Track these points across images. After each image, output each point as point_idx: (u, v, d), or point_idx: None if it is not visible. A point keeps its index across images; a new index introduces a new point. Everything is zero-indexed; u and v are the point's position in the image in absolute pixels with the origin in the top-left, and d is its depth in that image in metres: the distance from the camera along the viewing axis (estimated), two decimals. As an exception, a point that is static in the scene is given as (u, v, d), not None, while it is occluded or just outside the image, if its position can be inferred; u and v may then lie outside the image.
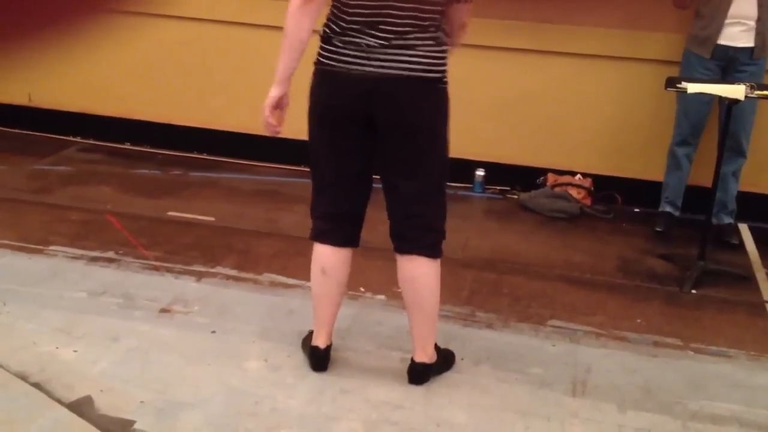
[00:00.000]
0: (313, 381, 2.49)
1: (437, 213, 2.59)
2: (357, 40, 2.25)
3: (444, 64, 2.40)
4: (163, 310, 2.85)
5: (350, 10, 2.24)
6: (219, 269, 3.20)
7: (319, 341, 2.56)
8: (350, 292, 3.07)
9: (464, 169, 4.30)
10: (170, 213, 3.73)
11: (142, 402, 2.32)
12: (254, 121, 4.42)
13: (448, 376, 2.55)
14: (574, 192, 3.95)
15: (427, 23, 2.27)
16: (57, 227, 3.47)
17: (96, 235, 3.40)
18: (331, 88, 2.32)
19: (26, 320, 2.70)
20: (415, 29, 2.25)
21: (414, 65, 2.29)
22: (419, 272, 2.51)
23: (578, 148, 4.18)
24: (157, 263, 3.21)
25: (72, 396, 2.31)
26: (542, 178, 4.13)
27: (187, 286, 3.05)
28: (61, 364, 2.46)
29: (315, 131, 2.41)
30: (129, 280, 3.06)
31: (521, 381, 2.54)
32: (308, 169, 2.59)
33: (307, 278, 3.12)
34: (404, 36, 2.24)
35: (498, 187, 4.28)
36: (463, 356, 2.66)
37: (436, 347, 2.56)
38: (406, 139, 2.39)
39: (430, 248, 2.53)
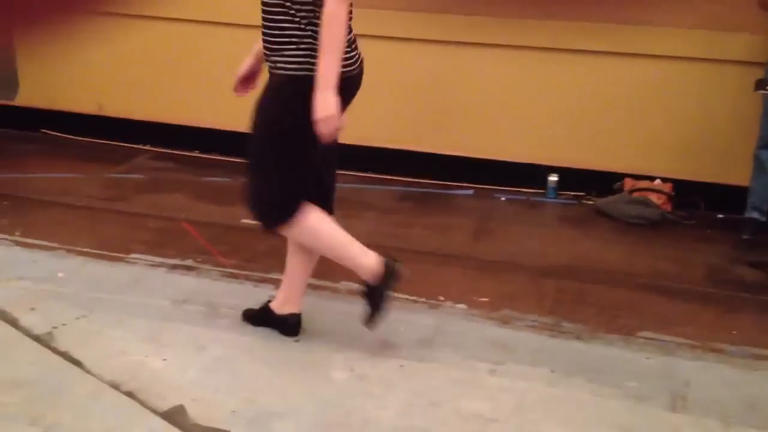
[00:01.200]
0: (401, 392, 2.44)
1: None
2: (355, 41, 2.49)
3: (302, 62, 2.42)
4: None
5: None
6: (296, 277, 3.19)
7: (298, 304, 2.76)
8: (430, 301, 3.03)
9: (536, 174, 4.23)
10: (244, 221, 3.72)
11: (233, 412, 2.30)
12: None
13: (541, 390, 2.48)
14: (653, 197, 3.84)
15: None
16: (135, 235, 3.49)
17: (174, 243, 3.41)
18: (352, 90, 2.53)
19: (113, 328, 2.72)
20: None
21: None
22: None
23: (657, 151, 4.06)
24: (236, 271, 3.20)
25: (165, 405, 2.30)
26: (619, 183, 4.03)
27: (267, 294, 3.03)
28: (151, 372, 2.46)
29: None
30: (210, 288, 3.06)
31: (617, 395, 2.45)
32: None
33: (386, 286, 3.13)
34: None
35: (572, 193, 4.20)
36: (554, 369, 2.59)
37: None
38: None
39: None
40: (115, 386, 2.37)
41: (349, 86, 2.46)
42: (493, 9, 4.06)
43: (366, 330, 2.78)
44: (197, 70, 4.53)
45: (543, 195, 4.21)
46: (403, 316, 2.92)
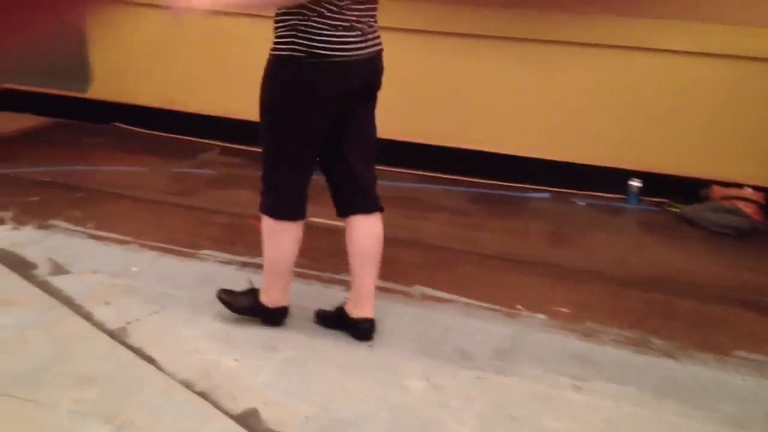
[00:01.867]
0: (480, 406, 2.33)
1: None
2: (358, 26, 2.40)
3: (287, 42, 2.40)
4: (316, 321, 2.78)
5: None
6: (368, 279, 3.11)
7: (285, 297, 2.71)
8: (506, 310, 2.91)
9: (617, 178, 4.06)
10: (312, 219, 3.65)
11: (306, 417, 2.22)
12: (391, 125, 4.38)
13: (628, 410, 2.33)
14: (743, 206, 3.64)
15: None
16: (204, 230, 3.46)
17: (242, 240, 3.36)
18: (343, 76, 2.43)
19: (186, 325, 2.67)
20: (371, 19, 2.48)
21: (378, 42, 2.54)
22: (378, 229, 2.74)
23: (746, 157, 3.85)
24: (305, 271, 3.13)
25: (237, 407, 2.24)
26: (705, 189, 3.83)
27: (338, 295, 2.95)
28: (223, 372, 2.41)
29: (312, 118, 2.46)
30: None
31: (712, 419, 2.30)
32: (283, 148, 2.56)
33: (461, 293, 3.03)
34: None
35: (654, 199, 4.02)
36: (643, 387, 2.44)
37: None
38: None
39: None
40: (188, 385, 2.32)
41: (333, 72, 2.40)
42: (569, 5, 3.92)
43: (442, 337, 2.68)
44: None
45: (624, 201, 4.04)
46: (479, 324, 2.81)
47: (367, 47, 2.44)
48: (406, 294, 3.00)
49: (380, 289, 3.02)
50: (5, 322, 2.62)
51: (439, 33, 4.13)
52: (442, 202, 3.98)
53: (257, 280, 2.74)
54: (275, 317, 2.71)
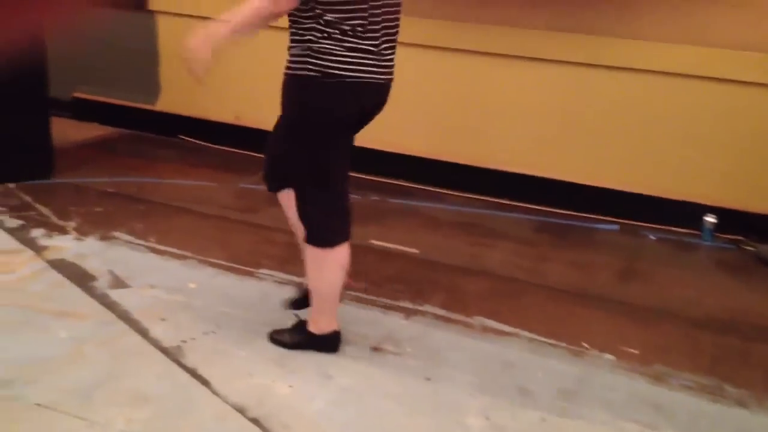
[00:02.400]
0: (544, 449, 2.22)
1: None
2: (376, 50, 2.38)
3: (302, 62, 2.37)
4: (375, 348, 2.69)
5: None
6: (427, 307, 3.01)
7: (336, 325, 2.67)
8: (572, 347, 2.78)
9: (691, 213, 3.88)
10: (373, 241, 3.60)
11: (361, 453, 2.15)
12: (454, 148, 4.31)
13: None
14: (827, 249, 3.44)
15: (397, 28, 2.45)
16: (264, 249, 3.42)
17: (301, 260, 3.31)
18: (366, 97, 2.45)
19: (240, 347, 2.62)
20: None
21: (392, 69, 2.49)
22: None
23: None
24: (362, 295, 3.07)
25: (290, 438, 2.18)
26: (785, 230, 3.64)
27: (396, 323, 2.88)
28: (277, 399, 2.34)
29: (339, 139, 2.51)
30: (338, 312, 2.93)
31: (794, 479, 2.14)
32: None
33: (524, 327, 2.91)
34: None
35: (729, 236, 3.83)
36: (717, 439, 2.29)
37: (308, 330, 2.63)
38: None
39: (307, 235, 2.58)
40: (241, 410, 2.27)
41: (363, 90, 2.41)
42: (645, 33, 3.79)
43: (503, 373, 2.58)
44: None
45: (698, 236, 3.87)
46: (542, 361, 2.69)
47: (383, 72, 2.42)
48: (466, 325, 2.90)
49: (440, 318, 2.95)
50: (63, 335, 2.62)
51: (503, 55, 4.04)
52: (506, 230, 3.86)
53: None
54: (330, 344, 2.65)
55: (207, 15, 4.50)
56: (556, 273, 3.42)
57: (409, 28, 4.28)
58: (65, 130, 4.42)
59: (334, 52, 2.31)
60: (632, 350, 2.81)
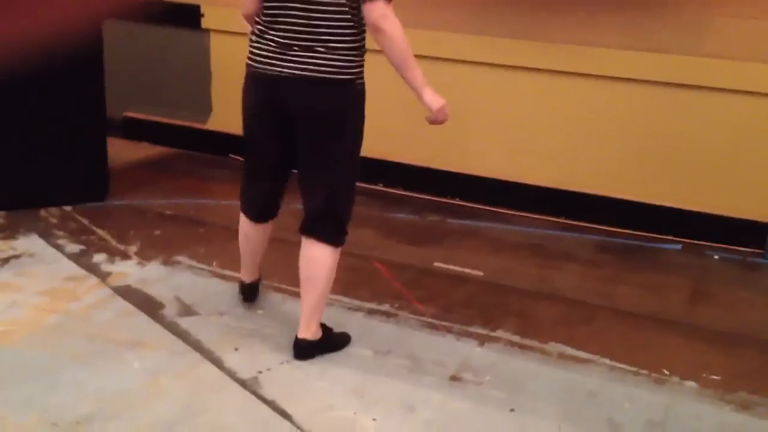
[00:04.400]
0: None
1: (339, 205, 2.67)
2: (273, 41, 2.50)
3: (347, 67, 2.49)
4: (453, 378, 2.62)
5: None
6: (500, 333, 2.94)
7: (244, 277, 3.00)
8: (654, 375, 2.70)
9: (754, 231, 3.79)
10: (437, 264, 3.53)
11: (454, 492, 2.09)
12: (513, 167, 4.24)
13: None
14: None
15: (319, 29, 2.44)
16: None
17: (368, 285, 3.26)
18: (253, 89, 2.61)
19: (318, 378, 2.57)
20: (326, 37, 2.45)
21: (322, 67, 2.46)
22: (320, 254, 2.64)
23: None
24: (436, 321, 3.00)
25: (381, 476, 2.12)
26: None
27: (472, 351, 2.81)
28: (362, 434, 2.30)
29: (247, 124, 2.74)
30: (411, 339, 2.87)
31: None
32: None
33: (602, 353, 2.83)
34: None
35: (796, 255, 3.74)
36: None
37: (324, 327, 2.74)
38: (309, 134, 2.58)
39: (330, 236, 2.63)
40: (327, 447, 2.23)
41: (248, 82, 2.61)
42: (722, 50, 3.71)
43: (587, 404, 2.50)
44: (386, 101, 4.41)
45: (760, 255, 3.77)
46: (627, 391, 2.61)
47: (279, 65, 2.47)
48: (542, 352, 2.83)
49: (515, 345, 2.88)
50: (137, 366, 2.58)
51: (575, 74, 3.97)
52: (570, 251, 3.78)
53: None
54: (339, 338, 2.80)
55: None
56: (626, 295, 3.33)
57: (472, 45, 4.29)
58: (117, 150, 4.40)
59: (250, 42, 2.57)
60: (714, 377, 2.73)
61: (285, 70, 2.46)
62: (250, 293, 3.03)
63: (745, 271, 3.68)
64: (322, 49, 2.43)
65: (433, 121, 2.53)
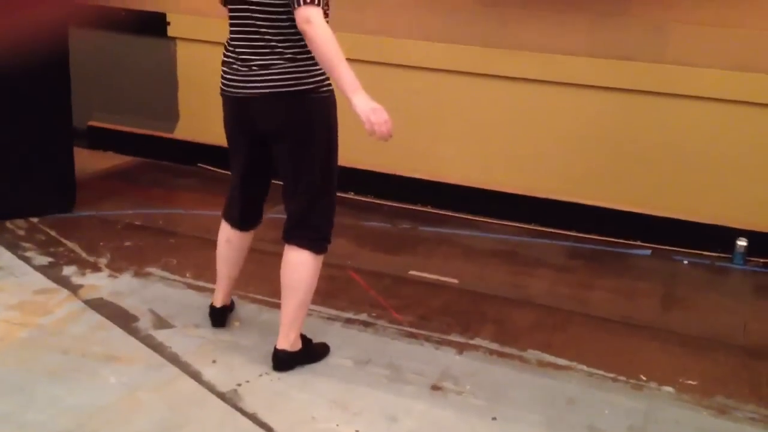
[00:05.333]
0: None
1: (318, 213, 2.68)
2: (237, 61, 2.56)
3: (306, 77, 2.51)
4: (435, 387, 2.62)
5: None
6: (479, 341, 2.95)
7: (216, 301, 2.92)
8: (631, 381, 2.74)
9: (720, 236, 3.86)
10: (412, 272, 3.53)
11: (442, 502, 2.08)
12: (484, 175, 4.27)
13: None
14: None
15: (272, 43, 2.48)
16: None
17: (345, 294, 3.24)
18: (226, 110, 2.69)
19: (298, 389, 2.55)
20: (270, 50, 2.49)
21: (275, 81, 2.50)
22: (298, 260, 2.63)
23: None
24: (414, 330, 3.00)
25: (368, 488, 2.11)
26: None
27: (451, 359, 2.82)
28: (347, 446, 2.28)
29: (229, 141, 2.80)
30: (390, 348, 2.86)
31: None
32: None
33: (579, 359, 2.86)
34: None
35: (761, 260, 3.81)
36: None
37: (303, 338, 2.73)
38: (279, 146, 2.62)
39: (308, 242, 2.63)
40: (312, 460, 2.21)
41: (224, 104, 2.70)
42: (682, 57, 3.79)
43: (568, 410, 2.52)
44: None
45: (729, 260, 3.85)
46: (606, 397, 2.64)
47: (243, 86, 2.53)
48: (521, 359, 2.84)
49: (494, 352, 2.89)
50: (114, 381, 2.53)
51: (537, 81, 4.01)
52: (541, 257, 3.81)
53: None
54: (319, 348, 2.80)
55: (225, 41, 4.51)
56: (599, 301, 3.37)
57: (441, 53, 4.32)
58: (82, 160, 4.30)
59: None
60: (691, 382, 2.77)
61: (247, 89, 2.51)
62: (219, 318, 2.93)
63: (714, 275, 3.75)
64: (279, 62, 2.47)
65: (370, 132, 2.37)
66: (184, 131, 4.82)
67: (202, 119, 4.79)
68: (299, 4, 2.33)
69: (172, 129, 4.85)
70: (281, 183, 2.66)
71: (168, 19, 4.68)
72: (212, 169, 4.72)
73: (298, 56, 2.46)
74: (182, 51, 4.71)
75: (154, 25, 4.70)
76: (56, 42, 3.69)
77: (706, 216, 3.92)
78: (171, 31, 4.69)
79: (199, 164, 4.75)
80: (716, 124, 3.83)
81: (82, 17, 4.26)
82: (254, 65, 2.48)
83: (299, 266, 2.61)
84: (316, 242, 2.62)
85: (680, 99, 3.83)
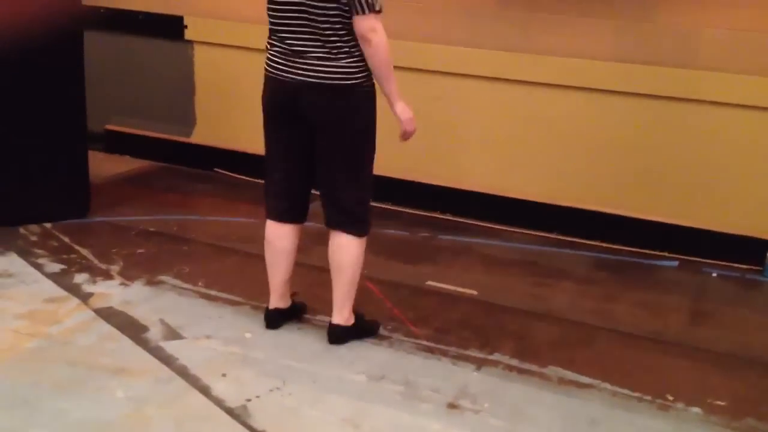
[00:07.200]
0: None
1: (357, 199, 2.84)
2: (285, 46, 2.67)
3: (358, 72, 2.64)
4: (451, 405, 2.52)
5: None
6: (498, 357, 2.85)
7: (271, 303, 2.95)
8: (657, 401, 2.62)
9: (752, 249, 3.72)
10: (429, 282, 3.43)
11: None
12: (505, 182, 4.16)
13: None
14: None
15: (324, 36, 2.59)
16: (319, 293, 3.19)
17: (360, 305, 3.14)
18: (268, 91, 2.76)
19: (310, 405, 2.46)
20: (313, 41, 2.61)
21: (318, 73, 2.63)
22: (344, 243, 2.79)
23: None
24: (431, 344, 2.90)
25: None
26: None
27: (469, 376, 2.72)
28: (359, 468, 2.19)
29: (265, 123, 2.82)
30: (405, 364, 2.77)
31: None
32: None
33: (603, 377, 2.75)
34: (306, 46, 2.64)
35: (794, 273, 3.68)
36: None
37: (356, 314, 2.89)
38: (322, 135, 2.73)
39: (352, 227, 2.79)
40: (322, 482, 2.12)
41: (265, 85, 2.76)
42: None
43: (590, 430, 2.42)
44: (378, 115, 4.33)
45: (759, 273, 3.70)
46: (630, 418, 2.53)
47: (291, 71, 2.64)
48: (542, 376, 2.74)
49: (513, 369, 2.78)
50: (121, 395, 2.45)
51: (563, 87, 3.90)
52: (565, 268, 3.70)
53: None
54: (371, 325, 2.96)
55: (243, 45, 4.45)
56: (624, 315, 3.25)
57: (462, 57, 4.22)
58: (98, 164, 4.26)
59: (267, 49, 2.73)
60: (720, 402, 2.65)
61: (298, 76, 2.63)
62: (272, 320, 2.95)
63: (744, 289, 3.62)
64: (329, 56, 2.60)
65: (404, 135, 2.76)
66: (201, 136, 4.76)
67: (219, 124, 4.74)
68: (364, 12, 2.52)
69: (189, 133, 4.80)
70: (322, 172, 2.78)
71: (185, 22, 4.63)
72: (229, 174, 4.67)
73: (346, 50, 2.60)
74: (199, 54, 4.66)
75: (172, 28, 4.66)
76: (70, 45, 3.66)
77: (735, 226, 3.78)
78: (188, 35, 4.64)
79: (215, 169, 4.69)
80: (746, 132, 3.70)
81: (95, 20, 4.22)
82: (309, 56, 2.61)
83: (345, 248, 2.80)
84: (358, 226, 2.80)
85: (709, 106, 3.70)
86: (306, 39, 2.60)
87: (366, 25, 2.53)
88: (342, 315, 2.84)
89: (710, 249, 3.82)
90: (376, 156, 2.82)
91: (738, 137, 3.71)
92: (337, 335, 2.84)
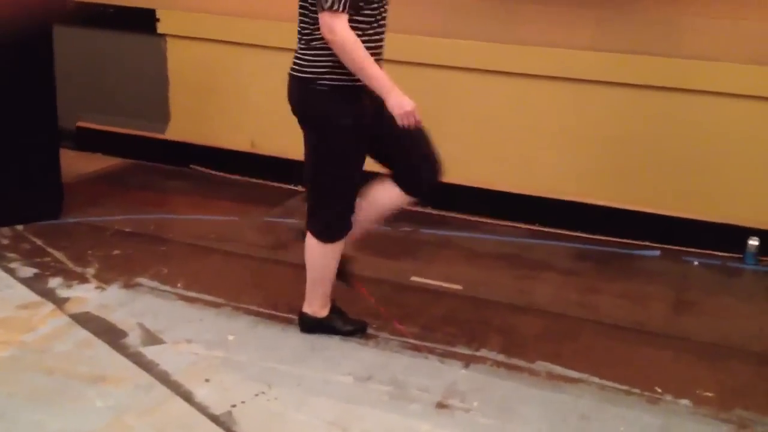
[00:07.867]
0: None
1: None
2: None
3: (314, 68, 2.58)
4: (440, 405, 2.48)
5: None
6: (485, 353, 2.81)
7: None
8: (646, 393, 2.61)
9: (733, 236, 3.73)
10: (413, 278, 3.39)
11: None
12: (486, 174, 4.13)
13: None
14: None
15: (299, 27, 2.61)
16: (301, 290, 3.15)
17: (344, 304, 3.08)
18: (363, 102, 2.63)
19: (296, 409, 2.41)
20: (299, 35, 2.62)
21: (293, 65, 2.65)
22: (307, 244, 2.80)
23: None
24: (417, 342, 2.86)
25: None
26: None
27: (456, 373, 2.68)
28: (348, 473, 2.15)
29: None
30: (392, 363, 2.72)
31: None
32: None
33: (591, 371, 2.73)
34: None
35: (774, 259, 3.69)
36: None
37: (335, 314, 2.88)
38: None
39: (312, 226, 2.77)
40: (311, 489, 2.07)
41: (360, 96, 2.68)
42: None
43: (581, 428, 2.39)
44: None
45: (740, 260, 3.71)
46: (620, 412, 2.50)
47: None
48: (530, 372, 2.71)
49: (501, 365, 2.75)
50: (100, 405, 2.38)
51: (543, 77, 3.87)
52: (547, 259, 3.67)
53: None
54: (342, 323, 2.90)
55: (218, 38, 4.36)
56: (609, 306, 3.23)
57: (443, 49, 4.18)
58: (70, 163, 4.14)
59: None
60: (708, 393, 2.64)
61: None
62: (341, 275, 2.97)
63: (726, 277, 3.62)
64: (299, 46, 2.61)
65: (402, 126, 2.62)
66: (176, 132, 4.66)
67: (194, 119, 4.65)
68: (322, 8, 2.43)
69: (163, 129, 4.70)
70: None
71: (157, 16, 4.53)
72: (205, 170, 4.59)
73: (305, 42, 2.58)
74: (173, 48, 4.55)
75: (144, 21, 4.55)
76: (39, 40, 3.55)
77: (716, 215, 3.78)
78: (161, 28, 4.53)
79: (191, 166, 4.60)
80: (728, 121, 3.69)
81: (66, 14, 4.10)
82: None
83: (309, 249, 2.79)
84: (321, 231, 2.75)
85: (691, 94, 3.69)
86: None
87: (323, 23, 2.45)
88: (310, 306, 2.86)
89: (692, 237, 3.82)
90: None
91: (719, 126, 3.70)
92: (302, 322, 2.88)
